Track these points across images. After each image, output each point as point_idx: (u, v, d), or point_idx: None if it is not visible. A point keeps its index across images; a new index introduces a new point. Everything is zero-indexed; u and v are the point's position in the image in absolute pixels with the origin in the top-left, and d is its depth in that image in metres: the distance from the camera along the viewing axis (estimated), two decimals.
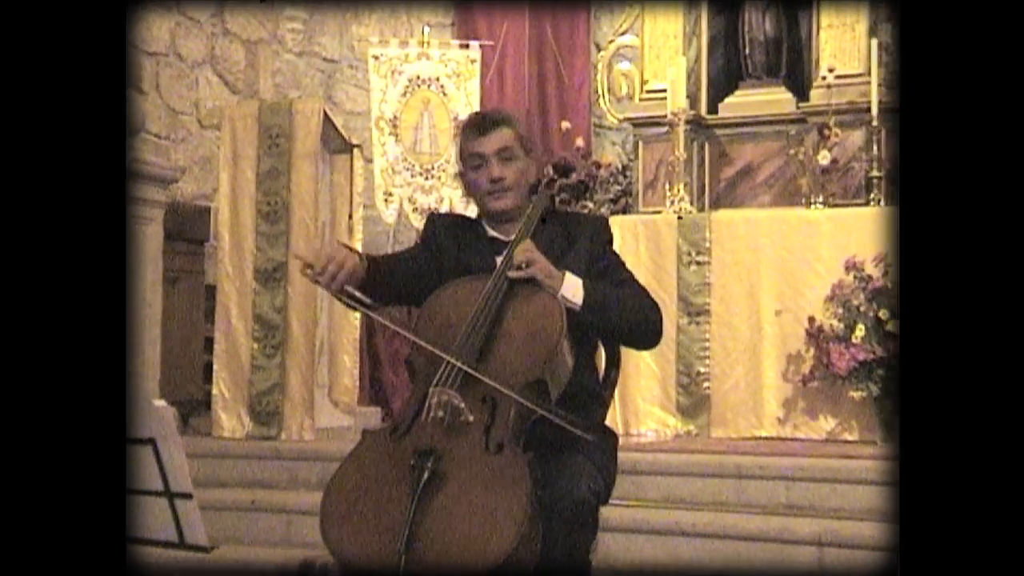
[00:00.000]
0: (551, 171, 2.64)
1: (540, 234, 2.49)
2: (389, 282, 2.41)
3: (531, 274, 2.33)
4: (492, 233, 2.55)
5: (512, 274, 2.33)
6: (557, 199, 2.65)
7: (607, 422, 2.66)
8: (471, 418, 2.18)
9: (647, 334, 2.48)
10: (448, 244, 2.54)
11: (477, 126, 2.48)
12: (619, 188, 6.03)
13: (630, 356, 4.94)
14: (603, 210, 5.86)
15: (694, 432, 4.98)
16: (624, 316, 2.41)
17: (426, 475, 2.08)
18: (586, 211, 5.84)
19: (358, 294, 2.27)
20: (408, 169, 6.61)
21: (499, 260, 2.42)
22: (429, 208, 6.45)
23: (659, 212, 5.32)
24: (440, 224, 2.60)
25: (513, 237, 2.46)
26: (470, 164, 2.48)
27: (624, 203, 5.91)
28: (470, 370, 2.20)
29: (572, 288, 2.36)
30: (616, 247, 2.60)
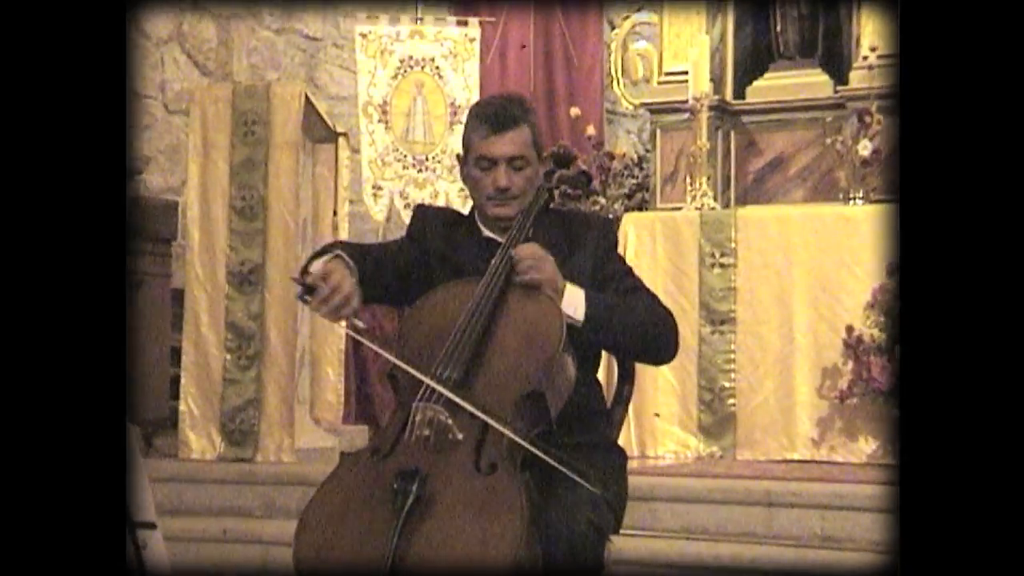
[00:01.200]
0: (549, 162, 2.64)
1: (538, 236, 2.49)
2: (375, 282, 2.42)
3: (534, 281, 2.33)
4: (487, 233, 2.55)
5: (518, 279, 2.33)
6: (556, 193, 2.66)
7: (619, 442, 2.65)
8: (460, 435, 2.19)
9: (660, 350, 2.49)
10: (437, 242, 2.54)
11: (492, 121, 2.45)
12: (634, 182, 6.05)
13: (646, 369, 4.94)
14: (616, 206, 5.88)
15: (718, 454, 4.98)
16: (633, 331, 2.41)
17: (410, 499, 2.08)
18: (598, 207, 5.88)
19: (360, 324, 2.29)
20: (399, 160, 6.64)
21: (495, 260, 2.42)
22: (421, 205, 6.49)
23: (679, 209, 5.33)
24: (430, 218, 2.60)
25: (507, 240, 2.45)
26: (476, 163, 2.46)
27: (640, 199, 5.93)
28: (449, 394, 2.20)
29: (572, 304, 2.36)
30: (631, 248, 2.60)
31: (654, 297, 2.52)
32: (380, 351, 2.31)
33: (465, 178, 2.55)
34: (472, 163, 2.48)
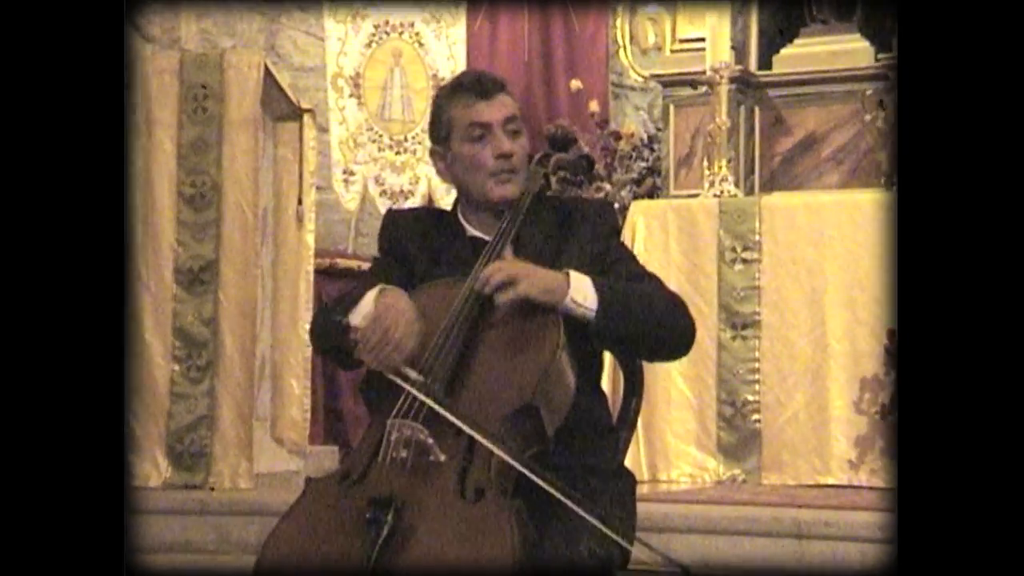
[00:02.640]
0: (546, 144, 2.67)
1: (529, 229, 2.50)
2: None
3: (518, 296, 2.32)
4: (472, 232, 2.55)
5: (498, 300, 2.32)
6: (553, 179, 2.67)
7: (626, 464, 2.65)
8: (442, 457, 2.19)
9: (679, 339, 2.48)
10: (416, 252, 2.55)
11: (476, 88, 2.49)
12: (644, 165, 6.06)
13: (658, 379, 4.98)
14: (624, 193, 5.89)
15: (740, 478, 5.00)
16: (653, 317, 2.41)
17: (385, 531, 2.09)
18: (603, 195, 5.88)
19: (412, 374, 2.27)
20: (374, 141, 6.64)
21: (483, 257, 2.42)
22: (401, 191, 6.48)
23: (695, 196, 5.34)
24: (403, 225, 2.61)
25: (495, 238, 2.46)
26: (466, 136, 2.49)
27: (650, 185, 5.94)
28: (432, 402, 2.21)
29: (581, 290, 2.36)
30: (640, 241, 2.61)
31: (661, 282, 2.52)
32: (427, 400, 2.26)
33: (449, 167, 2.54)
34: (460, 138, 2.49)
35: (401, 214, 2.70)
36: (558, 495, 2.17)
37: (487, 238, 2.50)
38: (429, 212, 2.72)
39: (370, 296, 2.34)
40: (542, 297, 2.33)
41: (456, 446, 2.21)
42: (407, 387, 2.26)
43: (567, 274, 2.37)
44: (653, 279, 2.53)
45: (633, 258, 2.59)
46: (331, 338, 2.40)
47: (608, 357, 2.73)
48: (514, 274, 2.33)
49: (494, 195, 2.49)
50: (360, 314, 2.33)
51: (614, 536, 2.20)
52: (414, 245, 2.56)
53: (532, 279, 2.34)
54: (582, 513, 2.17)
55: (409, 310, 2.31)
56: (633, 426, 2.70)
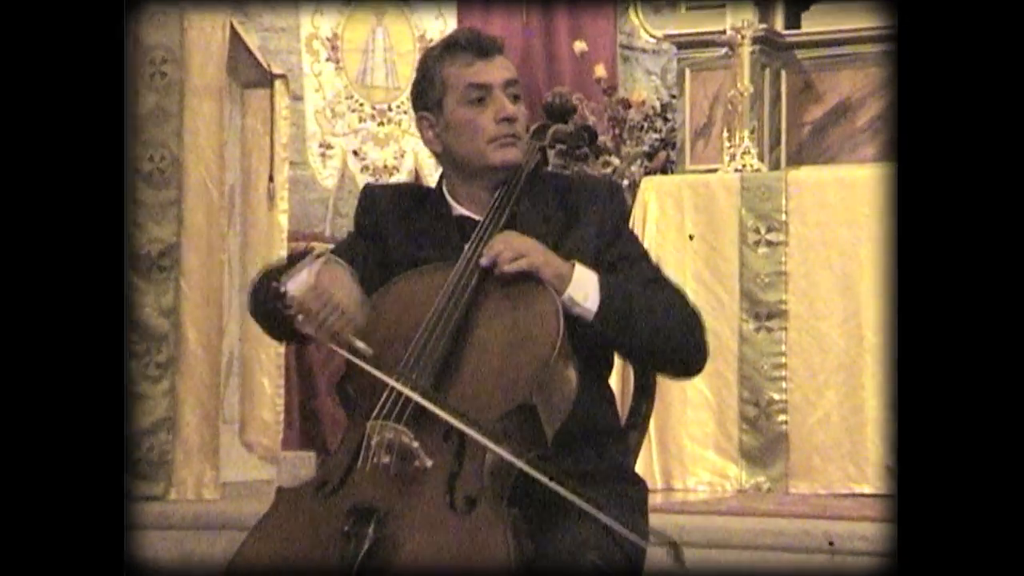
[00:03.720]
0: (543, 114, 2.69)
1: (526, 211, 2.51)
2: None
3: (527, 267, 2.35)
4: (460, 210, 2.56)
5: (506, 268, 2.35)
6: (551, 153, 2.68)
7: (637, 470, 2.65)
8: (429, 463, 2.19)
9: (686, 359, 2.52)
10: (395, 230, 2.56)
11: (474, 46, 2.52)
12: (657, 137, 6.06)
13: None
14: (634, 168, 5.89)
15: (765, 486, 5.00)
16: (658, 332, 2.44)
17: (366, 545, 2.09)
18: (610, 170, 5.88)
19: (361, 345, 2.30)
20: (354, 110, 6.64)
21: (473, 239, 2.44)
22: (384, 166, 6.48)
23: (714, 171, 5.34)
24: (382, 201, 2.62)
25: (486, 216, 2.47)
26: (463, 100, 2.50)
27: (664, 158, 5.94)
28: (417, 396, 2.21)
29: (583, 286, 2.38)
30: (652, 222, 2.62)
31: (677, 291, 2.53)
32: (387, 379, 2.28)
33: (439, 135, 2.56)
34: (456, 101, 2.51)
35: (380, 190, 2.72)
36: (567, 494, 2.17)
37: (477, 218, 2.51)
38: (411, 189, 2.73)
39: (313, 266, 2.34)
40: (552, 279, 2.36)
41: (444, 450, 2.22)
42: (363, 366, 2.27)
43: (573, 266, 2.39)
44: (668, 286, 2.53)
45: (645, 257, 2.59)
46: (266, 304, 2.40)
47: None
48: (524, 249, 2.37)
49: (495, 159, 2.51)
50: (297, 282, 2.32)
51: (628, 535, 2.20)
52: (393, 225, 2.57)
53: (545, 255, 2.38)
54: (595, 513, 2.17)
55: (352, 284, 2.33)
56: (645, 428, 2.70)
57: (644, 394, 2.68)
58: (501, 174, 2.52)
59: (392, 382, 2.26)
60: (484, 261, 2.38)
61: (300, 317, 2.29)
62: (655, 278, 2.53)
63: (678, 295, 2.52)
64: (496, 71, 2.51)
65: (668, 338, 2.45)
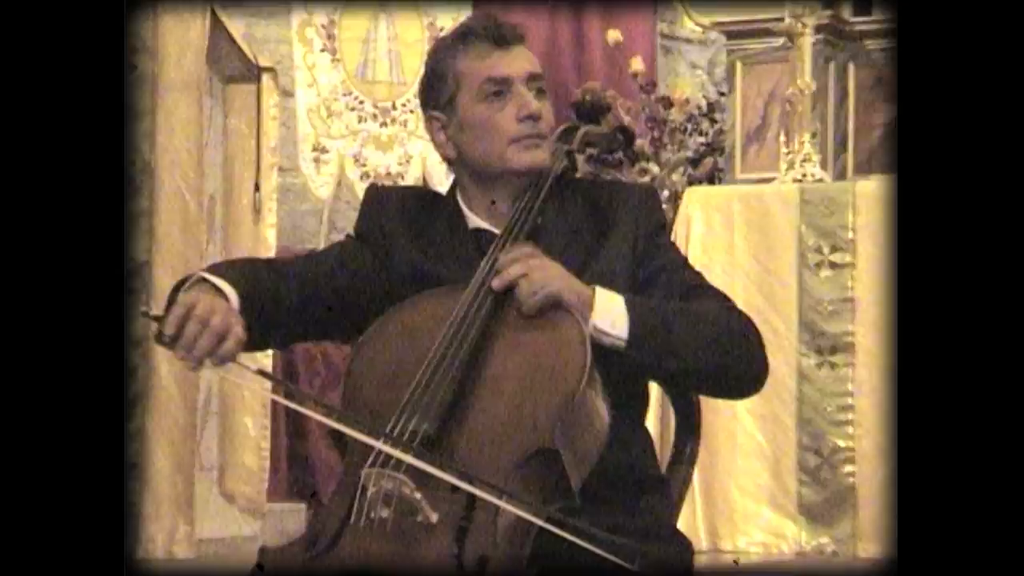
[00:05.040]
0: (572, 114, 2.71)
1: (550, 222, 2.53)
2: (285, 310, 2.47)
3: (549, 297, 2.36)
4: (476, 222, 2.58)
5: (528, 303, 2.36)
6: (580, 159, 2.69)
7: (679, 528, 2.64)
8: (434, 517, 2.19)
9: (740, 376, 2.51)
10: (402, 239, 2.58)
11: (492, 35, 2.55)
12: (703, 141, 6.06)
13: (720, 418, 4.97)
14: (675, 177, 5.89)
15: (829, 549, 4.98)
16: (706, 349, 2.43)
17: None
18: (648, 179, 5.88)
19: (249, 369, 2.33)
20: (354, 109, 6.65)
21: (488, 258, 2.44)
22: (388, 173, 6.49)
23: (769, 181, 5.34)
24: (389, 205, 2.63)
25: (505, 229, 2.48)
26: (480, 95, 2.53)
27: (711, 165, 5.94)
28: (407, 457, 2.21)
29: (608, 316, 2.39)
30: (696, 239, 2.63)
31: (723, 298, 2.54)
32: (301, 408, 2.32)
33: (452, 137, 2.58)
34: (472, 98, 2.54)
35: (388, 192, 2.74)
36: (588, 546, 2.15)
37: (495, 231, 2.52)
38: (422, 193, 2.76)
39: (186, 288, 2.35)
40: (575, 307, 2.37)
41: (452, 502, 2.21)
42: (337, 426, 2.28)
43: (594, 291, 2.40)
44: (712, 294, 2.54)
45: (685, 265, 2.60)
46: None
47: (655, 386, 2.73)
48: (544, 276, 2.37)
49: (518, 162, 2.53)
50: (161, 304, 2.35)
51: None
52: (400, 232, 2.58)
53: (567, 278, 2.38)
54: (608, 555, 2.15)
55: (221, 302, 2.32)
56: (688, 478, 2.70)
57: (688, 435, 2.68)
58: (523, 181, 2.54)
59: (374, 442, 2.25)
60: (497, 284, 2.38)
61: (176, 344, 2.28)
62: (697, 284, 2.54)
63: (725, 301, 2.53)
64: (517, 63, 2.53)
65: (717, 353, 2.45)
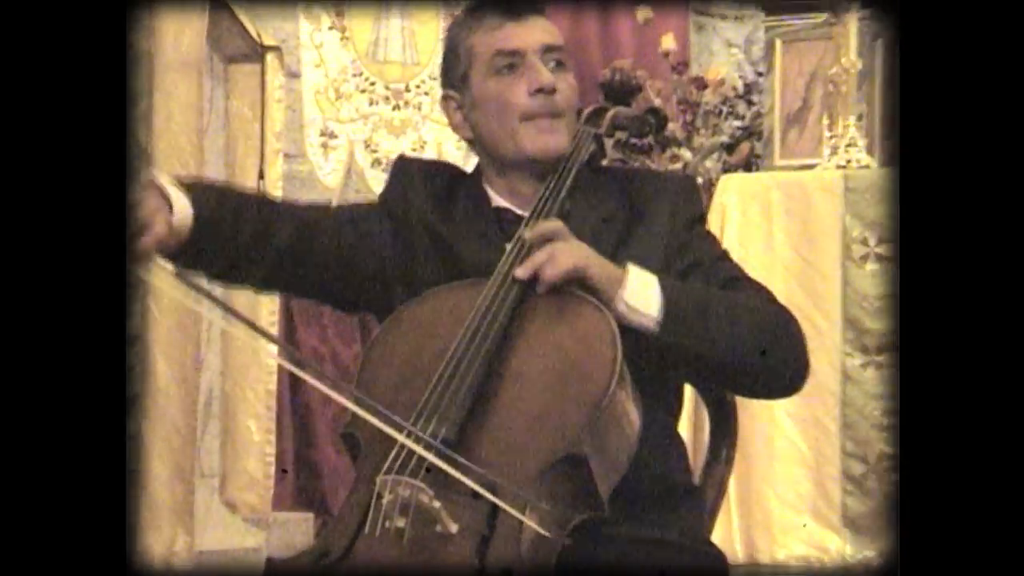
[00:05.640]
0: (600, 96, 2.70)
1: (581, 208, 2.53)
2: (267, 246, 2.52)
3: (571, 270, 2.35)
4: (499, 201, 2.60)
5: (547, 274, 2.35)
6: (609, 143, 2.68)
7: (713, 540, 2.66)
8: (453, 527, 2.19)
9: (781, 371, 2.51)
10: (426, 213, 2.61)
11: (503, 7, 2.58)
12: (738, 125, 6.05)
13: (757, 422, 4.96)
14: (709, 164, 5.89)
15: (875, 562, 4.97)
16: (744, 338, 2.43)
17: None
18: (680, 165, 5.88)
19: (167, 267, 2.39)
20: (364, 91, 6.66)
21: (512, 247, 2.45)
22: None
23: (811, 167, 5.34)
24: (416, 178, 2.66)
25: (531, 213, 2.49)
26: (491, 69, 2.56)
27: (747, 151, 5.93)
28: (431, 457, 2.20)
29: (641, 291, 2.38)
30: (733, 229, 2.63)
31: (764, 291, 2.54)
32: (316, 383, 2.32)
33: (467, 116, 2.61)
34: (483, 73, 2.57)
35: (417, 164, 2.75)
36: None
37: (519, 211, 2.55)
38: (448, 168, 2.76)
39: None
40: (602, 283, 2.37)
41: (473, 510, 2.21)
42: (363, 415, 2.27)
43: (626, 268, 2.40)
44: (752, 287, 2.55)
45: (725, 256, 2.61)
46: None
47: (689, 388, 2.74)
48: (568, 250, 2.37)
49: (530, 147, 2.55)
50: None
51: None
52: (426, 206, 2.61)
53: (595, 256, 2.38)
54: None
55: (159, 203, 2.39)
56: (723, 487, 2.70)
57: (723, 439, 2.69)
58: (541, 166, 2.55)
59: (396, 434, 2.25)
60: (521, 273, 2.38)
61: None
62: (737, 277, 2.55)
63: (765, 294, 2.53)
64: (530, 34, 2.56)
65: (755, 344, 2.45)
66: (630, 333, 2.35)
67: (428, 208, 2.61)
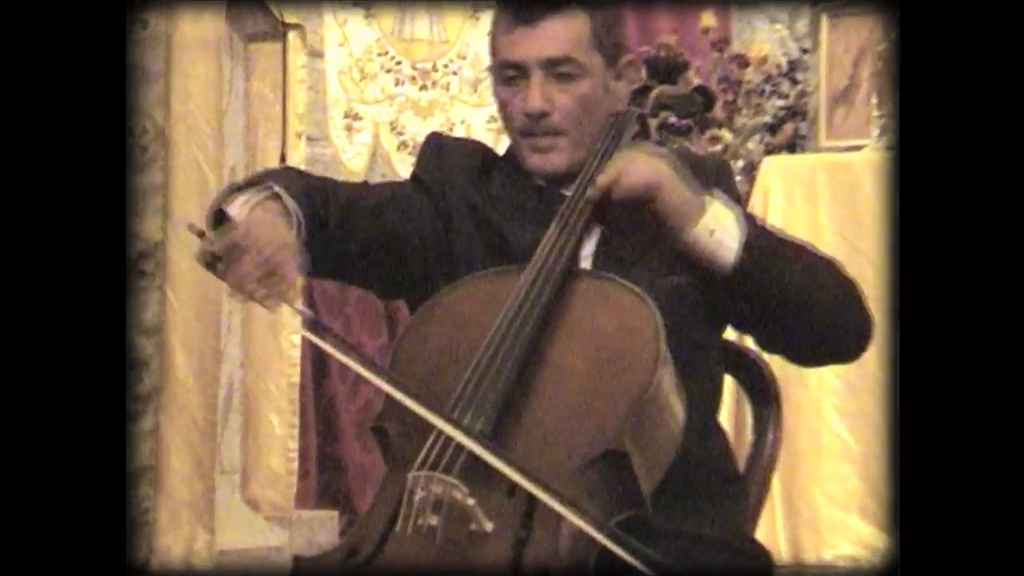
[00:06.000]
0: (640, 72, 2.68)
1: None
2: (336, 240, 2.49)
3: (643, 186, 2.33)
4: (538, 180, 2.62)
5: (622, 190, 2.33)
6: (654, 123, 2.68)
7: (757, 538, 2.66)
8: (489, 526, 2.19)
9: (845, 327, 2.49)
10: (464, 190, 2.62)
11: (515, 8, 2.56)
12: (782, 105, 6.02)
13: (802, 415, 4.94)
14: (751, 145, 5.86)
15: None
16: (813, 285, 2.42)
17: None
18: (720, 147, 5.86)
19: (306, 311, 2.32)
20: (390, 70, 6.65)
21: (551, 232, 2.44)
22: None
23: (858, 148, 5.33)
24: (450, 154, 2.67)
25: (573, 194, 2.47)
26: (500, 76, 2.58)
27: (792, 132, 5.90)
28: (473, 445, 2.20)
29: (722, 220, 2.37)
30: (776, 213, 2.62)
31: (821, 254, 2.53)
32: (368, 374, 2.31)
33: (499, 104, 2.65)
34: (496, 81, 2.59)
35: (449, 141, 2.76)
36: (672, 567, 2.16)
37: (562, 191, 2.55)
38: (482, 148, 2.76)
39: (251, 198, 2.35)
40: (679, 203, 2.34)
41: (509, 509, 2.21)
42: (405, 400, 2.25)
43: (710, 196, 2.39)
44: (806, 248, 2.53)
45: (771, 231, 2.58)
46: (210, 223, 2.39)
47: (728, 380, 2.74)
48: (644, 160, 2.35)
49: (530, 163, 2.59)
50: (237, 206, 2.34)
51: None
52: (462, 183, 2.62)
53: (672, 175, 2.35)
54: None
55: (283, 230, 2.32)
56: (767, 483, 2.70)
57: (766, 431, 2.69)
58: (539, 180, 2.59)
59: (440, 422, 2.24)
60: (602, 180, 2.35)
61: (222, 258, 2.27)
62: (790, 243, 2.53)
63: (824, 258, 2.52)
64: (535, 44, 2.53)
65: (825, 293, 2.45)
66: (697, 273, 2.37)
67: (468, 185, 2.62)
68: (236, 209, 2.35)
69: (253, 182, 2.43)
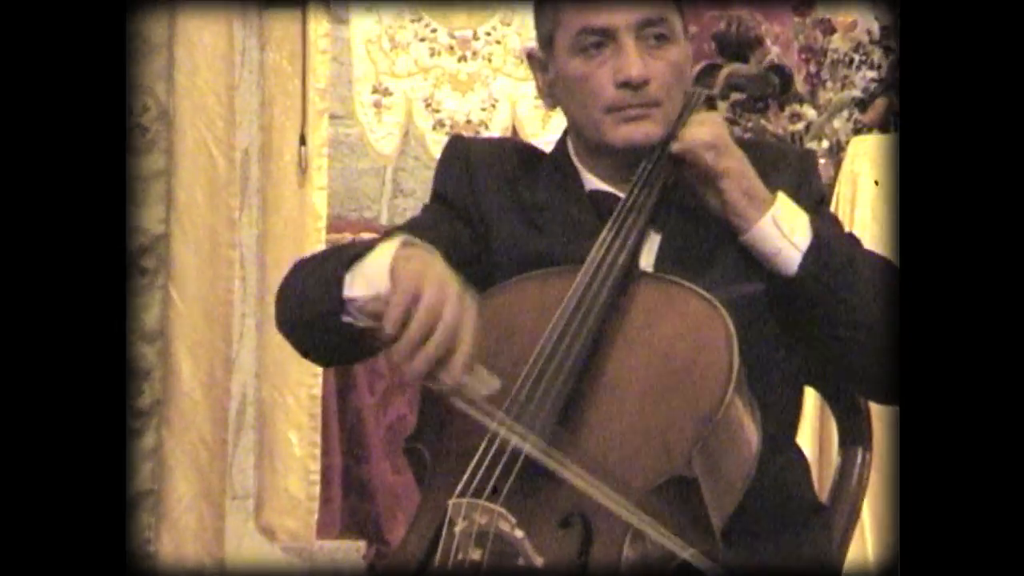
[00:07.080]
0: (713, 49, 2.69)
1: (683, 188, 2.53)
2: None
3: (709, 160, 2.40)
4: (595, 183, 2.61)
5: (674, 147, 2.43)
6: (723, 105, 2.68)
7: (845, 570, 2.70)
8: (539, 560, 2.19)
9: (880, 381, 2.49)
10: (498, 202, 2.62)
11: None
12: (873, 77, 6.01)
13: (893, 431, 4.93)
14: (837, 124, 5.86)
15: None
16: (877, 300, 2.43)
17: None
18: (801, 126, 5.86)
19: (482, 388, 2.27)
20: (424, 39, 6.67)
21: (606, 231, 2.45)
22: (468, 122, 6.51)
23: None
24: (478, 159, 2.67)
25: (631, 192, 2.50)
26: (575, 48, 2.55)
27: (884, 108, 5.89)
28: (543, 457, 2.21)
29: (790, 218, 2.42)
30: (865, 203, 2.63)
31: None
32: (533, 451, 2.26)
33: (550, 92, 2.63)
34: (567, 52, 2.55)
35: (476, 144, 2.76)
36: None
37: (618, 193, 2.54)
38: (519, 147, 2.76)
39: (384, 252, 2.30)
40: (738, 198, 2.41)
41: (562, 541, 2.22)
42: (484, 421, 2.25)
43: (776, 195, 2.44)
44: (882, 261, 2.54)
45: (858, 244, 2.61)
46: (319, 314, 2.38)
47: (811, 394, 2.75)
48: (721, 139, 2.43)
49: (613, 138, 2.55)
50: (366, 279, 2.30)
51: None
52: (495, 194, 2.62)
53: (743, 164, 2.42)
54: None
55: (452, 281, 2.25)
56: (856, 510, 2.71)
57: (854, 452, 2.71)
58: (627, 152, 2.56)
59: (514, 438, 2.24)
60: (676, 148, 2.43)
61: (387, 335, 2.21)
62: (866, 252, 2.55)
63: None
64: (623, 4, 2.52)
65: (871, 335, 2.45)
66: (757, 271, 2.42)
67: (502, 196, 2.62)
68: (372, 275, 2.29)
69: (363, 250, 2.36)
